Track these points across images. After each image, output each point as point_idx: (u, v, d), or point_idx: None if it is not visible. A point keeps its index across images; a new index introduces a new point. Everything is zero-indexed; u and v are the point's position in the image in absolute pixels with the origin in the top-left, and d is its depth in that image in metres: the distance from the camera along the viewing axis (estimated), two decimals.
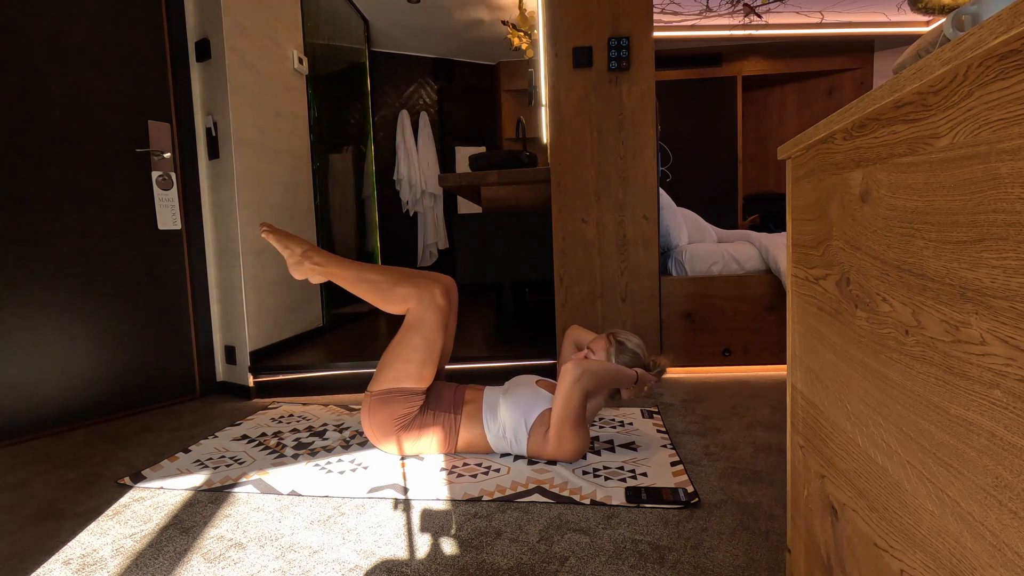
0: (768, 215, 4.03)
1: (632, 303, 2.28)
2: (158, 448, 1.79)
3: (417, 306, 1.53)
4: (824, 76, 4.67)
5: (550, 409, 1.50)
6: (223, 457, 1.65)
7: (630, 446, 1.61)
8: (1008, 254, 0.36)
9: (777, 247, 2.41)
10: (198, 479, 1.49)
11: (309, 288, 3.01)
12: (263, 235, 1.60)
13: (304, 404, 2.25)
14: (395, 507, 1.30)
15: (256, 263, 2.49)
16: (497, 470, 1.47)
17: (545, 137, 3.66)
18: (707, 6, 3.95)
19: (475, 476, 1.44)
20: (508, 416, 1.52)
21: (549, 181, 2.45)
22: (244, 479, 1.47)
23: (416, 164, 4.94)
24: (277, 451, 1.68)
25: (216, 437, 1.84)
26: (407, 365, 1.52)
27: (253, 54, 2.52)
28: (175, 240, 2.37)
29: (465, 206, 5.17)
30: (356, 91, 4.16)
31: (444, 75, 5.16)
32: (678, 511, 1.23)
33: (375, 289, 1.56)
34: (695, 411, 1.92)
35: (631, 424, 1.81)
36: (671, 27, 4.24)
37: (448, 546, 1.12)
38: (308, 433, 1.84)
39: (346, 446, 1.71)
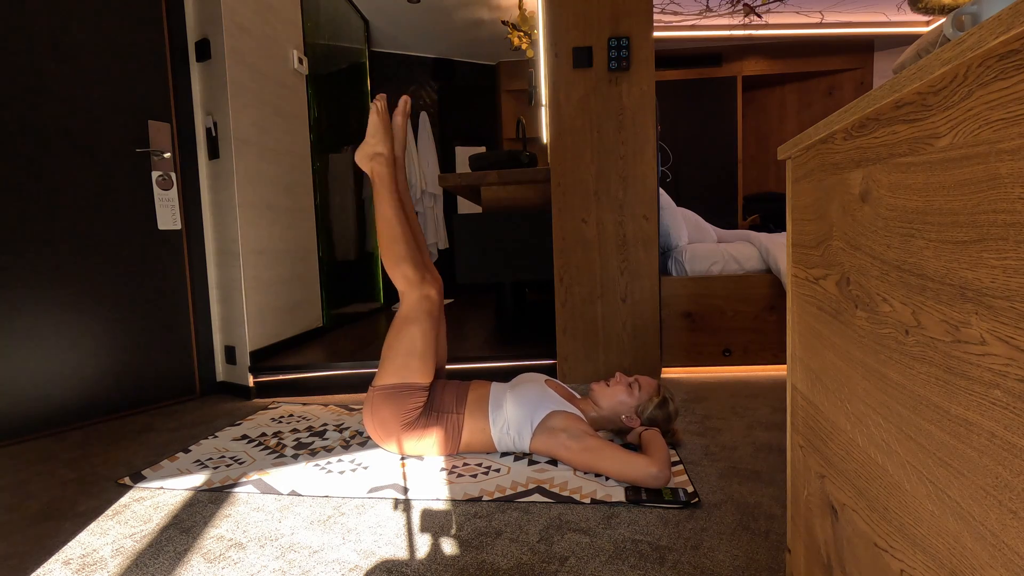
0: (768, 215, 4.04)
1: (632, 303, 2.28)
2: (158, 448, 1.79)
3: (409, 293, 1.56)
4: (824, 76, 4.67)
5: (560, 412, 1.50)
6: (223, 457, 1.65)
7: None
8: (1008, 254, 0.36)
9: (777, 247, 2.41)
10: (198, 479, 1.49)
11: (309, 288, 3.01)
12: (375, 102, 1.66)
13: (304, 404, 2.25)
14: (395, 507, 1.30)
15: (256, 263, 2.49)
16: (497, 470, 1.47)
17: (545, 137, 3.67)
18: (707, 6, 3.96)
19: (475, 476, 1.44)
20: (514, 413, 1.51)
21: (549, 181, 2.45)
22: (244, 479, 1.47)
23: (416, 164, 4.94)
24: (277, 451, 1.68)
25: (216, 437, 1.84)
26: (409, 359, 1.53)
27: (253, 54, 2.52)
28: (175, 240, 2.37)
29: (465, 206, 5.18)
30: (356, 91, 4.16)
31: (444, 75, 5.16)
32: (678, 511, 1.23)
33: (389, 249, 1.58)
34: (695, 411, 1.92)
35: None
36: (671, 27, 4.24)
37: (448, 546, 1.12)
38: (308, 433, 1.85)
39: (346, 446, 1.71)
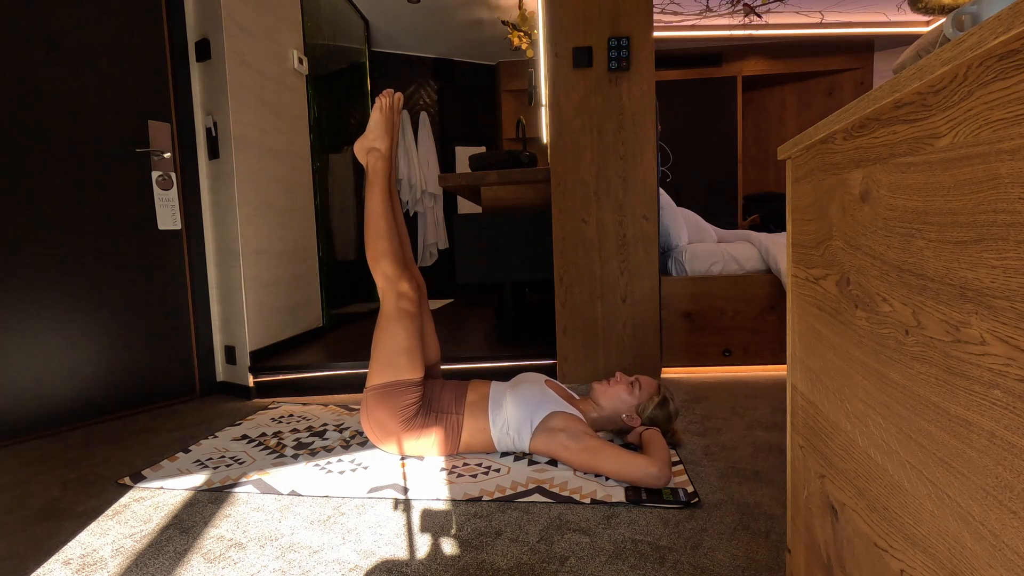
0: (768, 215, 4.03)
1: (632, 303, 2.28)
2: (158, 448, 1.79)
3: (388, 291, 1.56)
4: (824, 76, 4.67)
5: (559, 412, 1.50)
6: (223, 457, 1.65)
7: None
8: (1008, 254, 0.36)
9: (777, 247, 2.41)
10: (198, 479, 1.49)
11: (309, 288, 3.01)
12: (380, 98, 1.68)
13: (304, 404, 2.25)
14: (395, 507, 1.30)
15: (256, 263, 2.49)
16: (497, 470, 1.47)
17: (545, 137, 3.66)
18: (707, 6, 3.96)
19: (475, 476, 1.44)
20: (513, 412, 1.51)
21: (549, 181, 2.45)
22: (244, 479, 1.47)
23: (416, 164, 4.94)
24: (277, 451, 1.68)
25: (216, 437, 1.84)
26: (396, 356, 1.53)
27: (253, 54, 2.52)
28: (175, 240, 2.37)
29: (465, 206, 5.18)
30: (356, 91, 4.16)
31: (444, 75, 5.16)
32: (678, 511, 1.23)
33: (373, 244, 1.59)
34: (695, 411, 1.92)
35: None
36: (671, 27, 4.24)
37: (448, 546, 1.12)
38: (308, 433, 1.85)
39: (346, 446, 1.71)
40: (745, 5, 3.92)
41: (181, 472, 1.55)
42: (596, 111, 2.23)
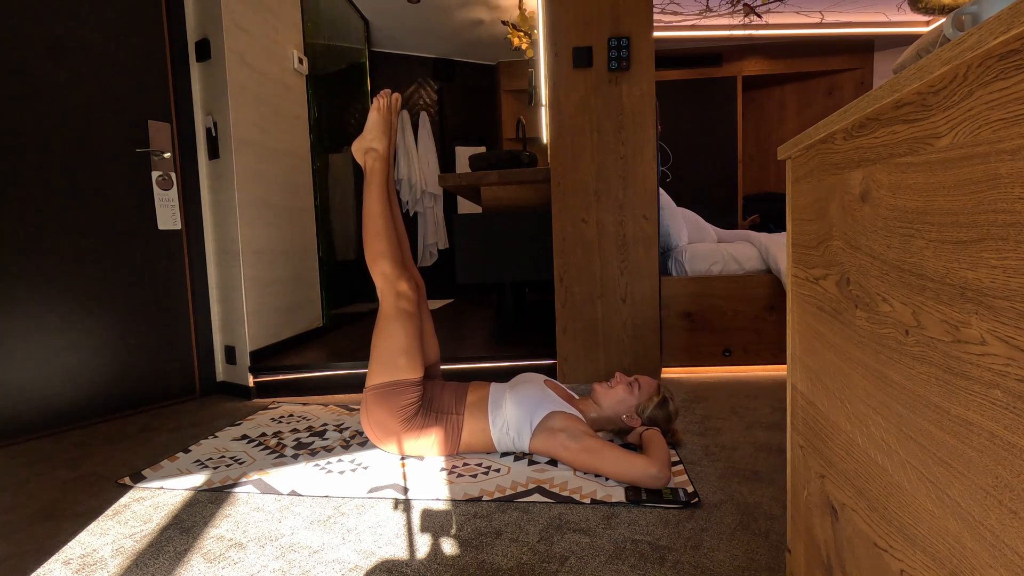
0: (768, 215, 4.04)
1: (632, 303, 2.28)
2: (158, 448, 1.79)
3: (387, 291, 1.56)
4: (824, 76, 4.67)
5: (559, 412, 1.50)
6: (223, 457, 1.65)
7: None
8: (1008, 254, 0.36)
9: (777, 247, 2.41)
10: (198, 479, 1.49)
11: (309, 288, 3.01)
12: (378, 98, 1.68)
13: (304, 404, 2.25)
14: (395, 507, 1.30)
15: (256, 263, 2.49)
16: (497, 470, 1.47)
17: (545, 137, 3.66)
18: (707, 6, 3.95)
19: (475, 476, 1.44)
20: (513, 413, 1.51)
21: (549, 181, 2.45)
22: (244, 479, 1.47)
23: (416, 164, 4.94)
24: (277, 451, 1.68)
25: (216, 437, 1.84)
26: (395, 357, 1.53)
27: (253, 54, 2.52)
28: (175, 240, 2.37)
29: (465, 206, 5.18)
30: (356, 91, 4.16)
31: (444, 75, 5.16)
32: (678, 511, 1.23)
33: (371, 244, 1.60)
34: (695, 411, 1.92)
35: None
36: (671, 27, 4.24)
37: (448, 546, 1.12)
38: (308, 433, 1.85)
39: (346, 446, 1.71)
40: (745, 5, 3.92)
41: (181, 472, 1.55)
42: (596, 111, 2.23)
